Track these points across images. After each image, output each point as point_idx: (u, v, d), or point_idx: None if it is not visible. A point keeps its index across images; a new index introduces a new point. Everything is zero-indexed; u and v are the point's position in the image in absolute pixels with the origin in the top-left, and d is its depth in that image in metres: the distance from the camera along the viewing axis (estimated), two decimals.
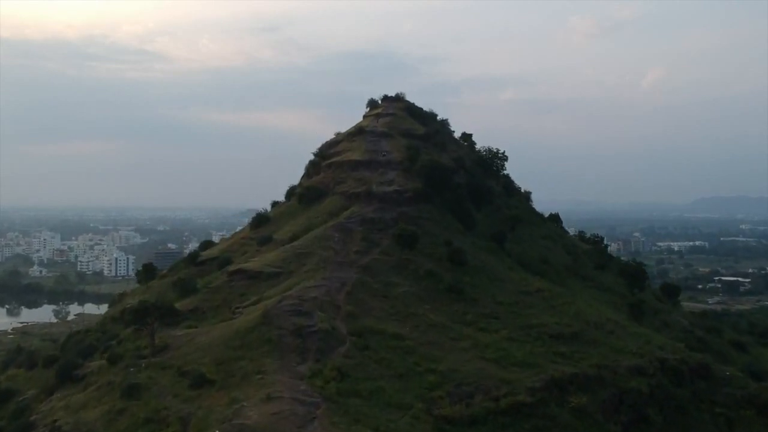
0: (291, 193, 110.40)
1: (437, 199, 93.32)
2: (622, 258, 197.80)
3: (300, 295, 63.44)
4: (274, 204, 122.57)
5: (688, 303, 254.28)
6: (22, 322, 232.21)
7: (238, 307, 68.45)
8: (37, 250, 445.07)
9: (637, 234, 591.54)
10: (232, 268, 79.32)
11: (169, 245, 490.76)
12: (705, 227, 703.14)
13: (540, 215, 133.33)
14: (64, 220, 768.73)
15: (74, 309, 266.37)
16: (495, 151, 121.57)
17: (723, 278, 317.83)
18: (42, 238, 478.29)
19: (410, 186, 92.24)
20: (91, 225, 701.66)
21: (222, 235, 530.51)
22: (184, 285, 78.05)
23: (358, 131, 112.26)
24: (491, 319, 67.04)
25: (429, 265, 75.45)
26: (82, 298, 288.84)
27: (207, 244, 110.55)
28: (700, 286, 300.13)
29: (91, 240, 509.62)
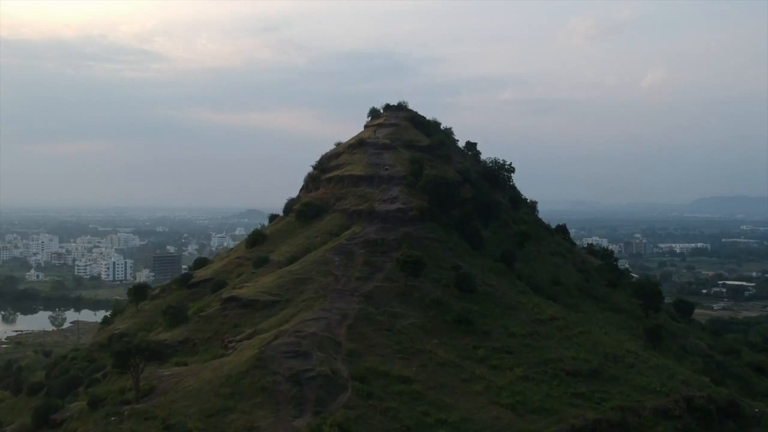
0: (290, 207, 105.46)
1: (443, 217, 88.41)
2: (627, 267, 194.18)
3: (297, 331, 58.55)
4: (272, 218, 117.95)
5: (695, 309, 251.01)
6: (16, 331, 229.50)
7: (231, 341, 63.63)
8: (35, 253, 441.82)
9: (638, 235, 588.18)
10: (225, 294, 74.42)
11: (168, 248, 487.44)
12: (706, 228, 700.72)
13: (548, 227, 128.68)
14: (63, 221, 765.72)
15: (71, 315, 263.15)
16: (501, 162, 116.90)
17: (727, 282, 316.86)
18: (40, 241, 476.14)
19: (414, 203, 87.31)
20: (90, 226, 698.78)
21: (221, 237, 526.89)
22: (174, 313, 73.22)
23: (359, 143, 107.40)
24: (504, 354, 62.12)
25: (436, 293, 70.52)
26: (78, 305, 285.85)
27: (201, 262, 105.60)
28: (704, 291, 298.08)
29: (89, 242, 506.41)
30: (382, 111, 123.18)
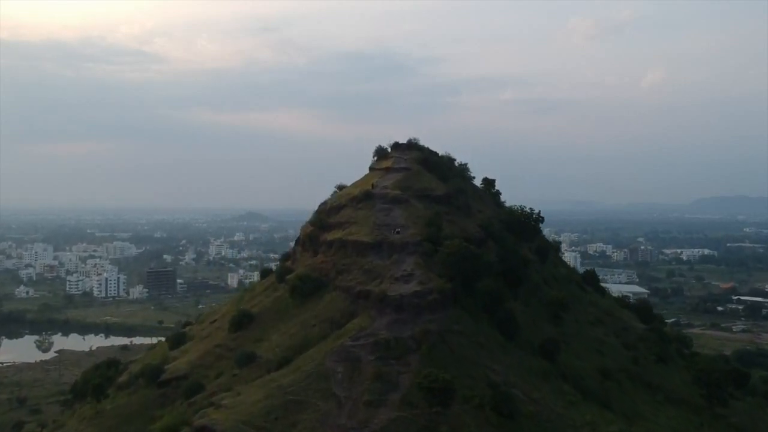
0: (283, 272, 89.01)
1: (468, 299, 72.41)
2: (636, 287, 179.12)
3: None
4: (264, 274, 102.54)
5: (712, 331, 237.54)
6: None
7: None
8: (28, 265, 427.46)
9: (641, 239, 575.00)
10: (197, 421, 58.20)
11: (165, 257, 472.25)
12: (708, 230, 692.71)
13: (576, 278, 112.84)
14: (61, 226, 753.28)
15: (58, 340, 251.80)
16: (529, 211, 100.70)
17: (742, 298, 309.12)
18: (33, 251, 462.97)
19: (434, 283, 71.05)
20: (88, 231, 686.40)
21: (219, 245, 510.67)
22: None
23: (365, 196, 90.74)
24: None
25: (469, 425, 54.55)
26: (66, 328, 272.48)
27: (178, 339, 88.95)
28: (720, 309, 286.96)
29: (84, 251, 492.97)
30: (389, 150, 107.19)
